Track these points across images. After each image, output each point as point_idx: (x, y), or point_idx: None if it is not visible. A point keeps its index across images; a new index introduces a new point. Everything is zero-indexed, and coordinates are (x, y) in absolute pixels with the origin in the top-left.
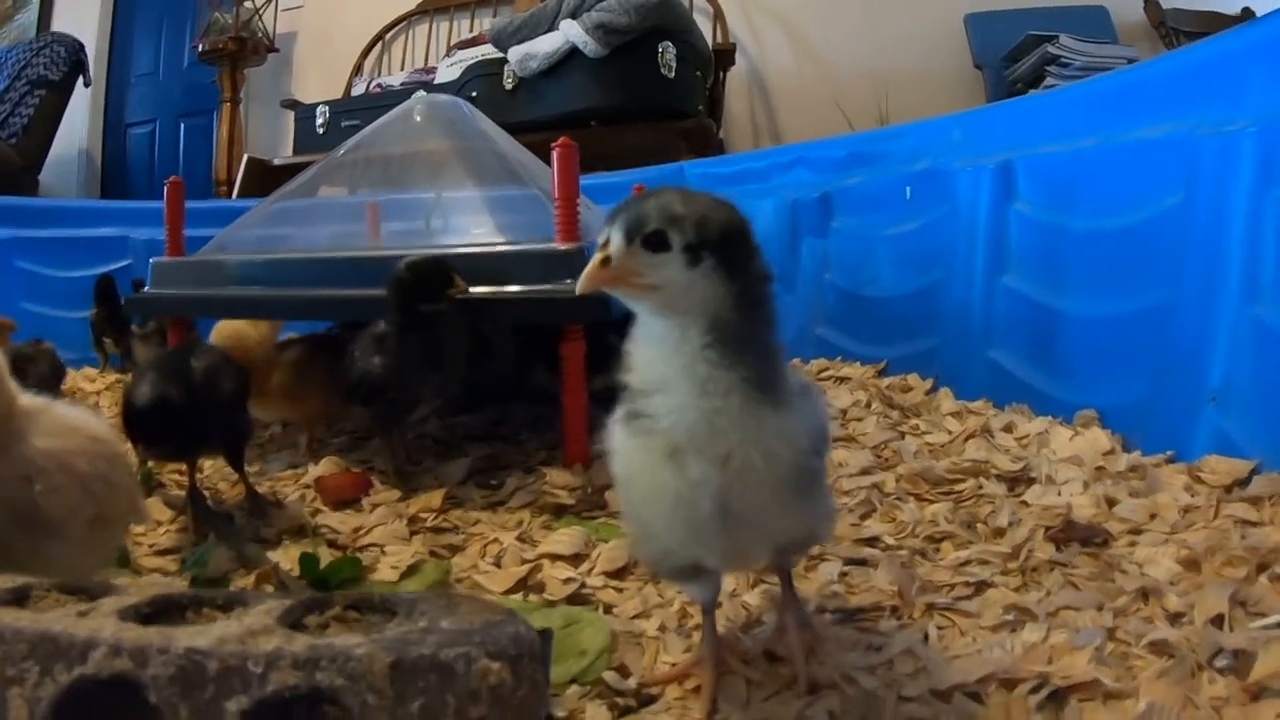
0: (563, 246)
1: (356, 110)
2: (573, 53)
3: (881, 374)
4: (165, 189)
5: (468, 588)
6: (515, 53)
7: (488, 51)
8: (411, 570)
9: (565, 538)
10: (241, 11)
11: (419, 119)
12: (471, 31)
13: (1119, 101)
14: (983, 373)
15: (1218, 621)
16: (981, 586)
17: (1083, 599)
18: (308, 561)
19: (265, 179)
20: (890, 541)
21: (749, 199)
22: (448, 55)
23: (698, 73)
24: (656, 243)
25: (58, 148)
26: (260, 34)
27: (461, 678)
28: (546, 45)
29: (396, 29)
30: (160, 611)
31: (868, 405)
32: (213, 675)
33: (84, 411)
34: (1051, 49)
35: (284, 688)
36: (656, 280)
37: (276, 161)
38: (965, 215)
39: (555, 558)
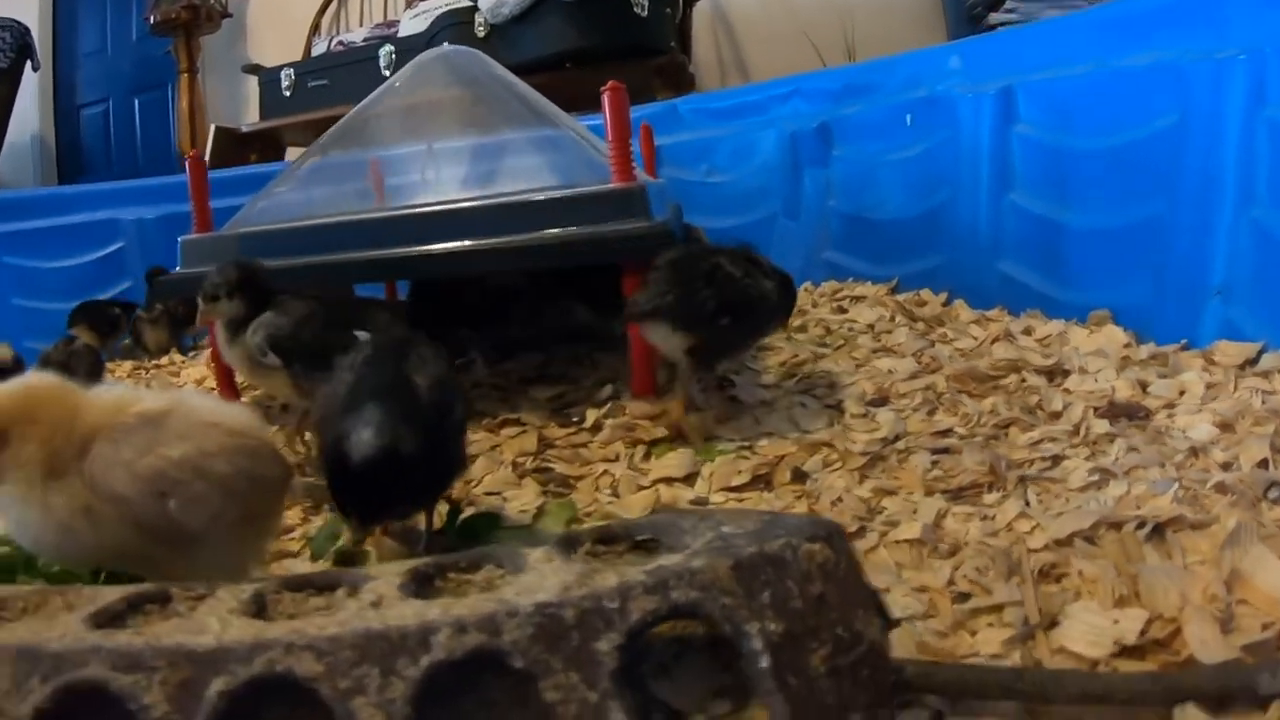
0: (620, 186)
1: (322, 70)
2: None
3: (893, 291)
4: (186, 164)
5: (599, 519)
6: (486, 0)
7: (452, 1)
8: (540, 513)
9: (673, 461)
10: None
11: (441, 69)
12: None
13: (1112, 31)
14: (994, 283)
15: (1263, 465)
16: (1056, 459)
17: (1146, 459)
18: (453, 515)
19: (234, 147)
20: (962, 431)
21: (750, 131)
22: (409, 7)
23: (668, 9)
24: None
25: (9, 136)
26: (212, 0)
27: (792, 564)
28: None
29: None
30: (421, 585)
31: (892, 319)
32: (572, 623)
33: (216, 401)
34: None
35: (646, 614)
36: None
37: (244, 128)
38: (968, 139)
39: (670, 481)
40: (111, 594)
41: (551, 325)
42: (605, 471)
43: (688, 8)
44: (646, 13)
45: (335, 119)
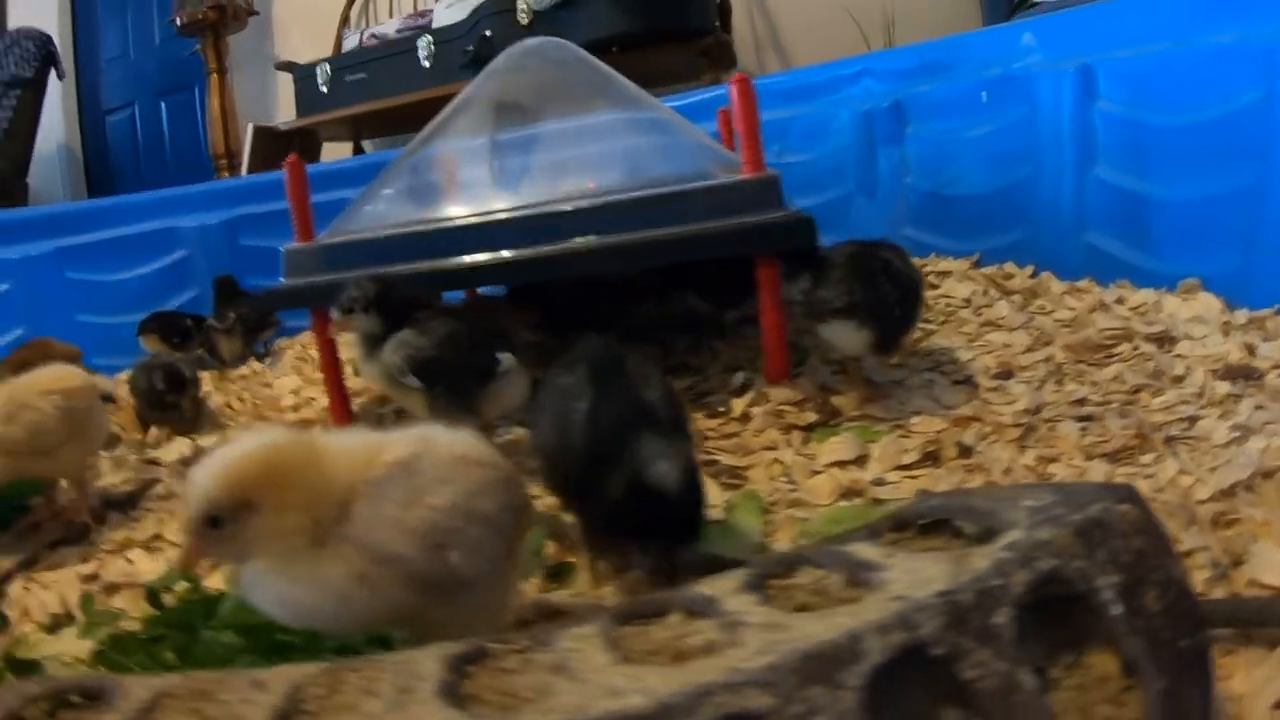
0: (756, 176)
1: (359, 64)
2: None
3: (977, 265)
4: (285, 168)
5: (785, 507)
6: None
7: None
8: (728, 506)
9: (838, 445)
10: None
11: (536, 59)
12: None
13: (1194, 9)
14: (1080, 255)
15: None
16: (1193, 420)
17: (1275, 415)
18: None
19: (273, 146)
20: (1097, 399)
21: (822, 111)
22: None
23: None
24: None
25: (36, 146)
26: None
27: (1112, 524)
28: None
29: None
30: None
31: (985, 293)
32: (972, 605)
33: (447, 431)
34: None
35: (1024, 586)
36: None
37: (282, 126)
38: (1048, 115)
39: (843, 464)
40: (428, 662)
41: (665, 317)
42: (775, 460)
43: None
44: None
45: (374, 113)
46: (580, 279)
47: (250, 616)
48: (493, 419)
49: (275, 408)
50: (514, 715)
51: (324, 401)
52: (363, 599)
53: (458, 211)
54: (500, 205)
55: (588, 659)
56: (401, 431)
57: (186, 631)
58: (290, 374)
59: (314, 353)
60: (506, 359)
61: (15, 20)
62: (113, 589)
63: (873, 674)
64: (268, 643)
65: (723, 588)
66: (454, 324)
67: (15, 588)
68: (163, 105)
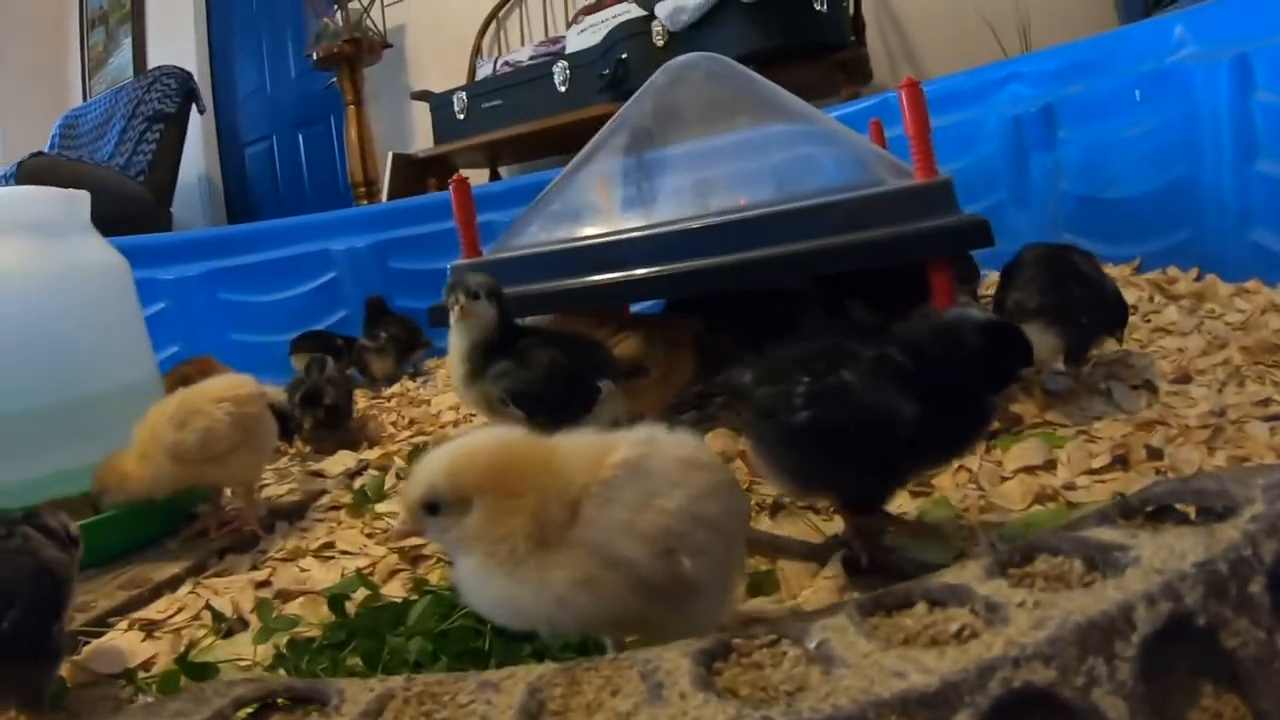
0: (930, 181)
1: (495, 91)
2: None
3: (1138, 271)
4: (451, 187)
5: (978, 513)
6: (664, 8)
7: (619, 13)
8: (920, 514)
9: (1025, 451)
10: (350, 13)
11: (694, 75)
12: None
13: None
14: (1245, 254)
15: None
16: None
17: None
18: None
19: (411, 173)
20: None
21: (969, 119)
22: (574, 23)
23: (844, 3)
24: None
25: (179, 178)
26: (372, 32)
27: None
28: None
29: (509, 4)
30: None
31: (1151, 299)
32: (1228, 575)
33: (667, 432)
34: None
35: (1273, 555)
36: None
37: (420, 154)
38: (1205, 110)
39: (1032, 469)
40: (676, 659)
41: (828, 327)
42: (961, 467)
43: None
44: (826, 8)
45: (511, 139)
46: (743, 291)
47: (440, 624)
48: None
49: (436, 423)
50: (797, 701)
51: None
52: (585, 603)
53: (627, 225)
54: (673, 217)
55: (851, 647)
56: (625, 432)
57: (373, 637)
58: (446, 392)
59: None
60: (607, 386)
61: (155, 59)
62: (286, 596)
63: (1144, 644)
64: (460, 649)
65: (966, 576)
66: (555, 353)
67: (185, 592)
68: (300, 137)
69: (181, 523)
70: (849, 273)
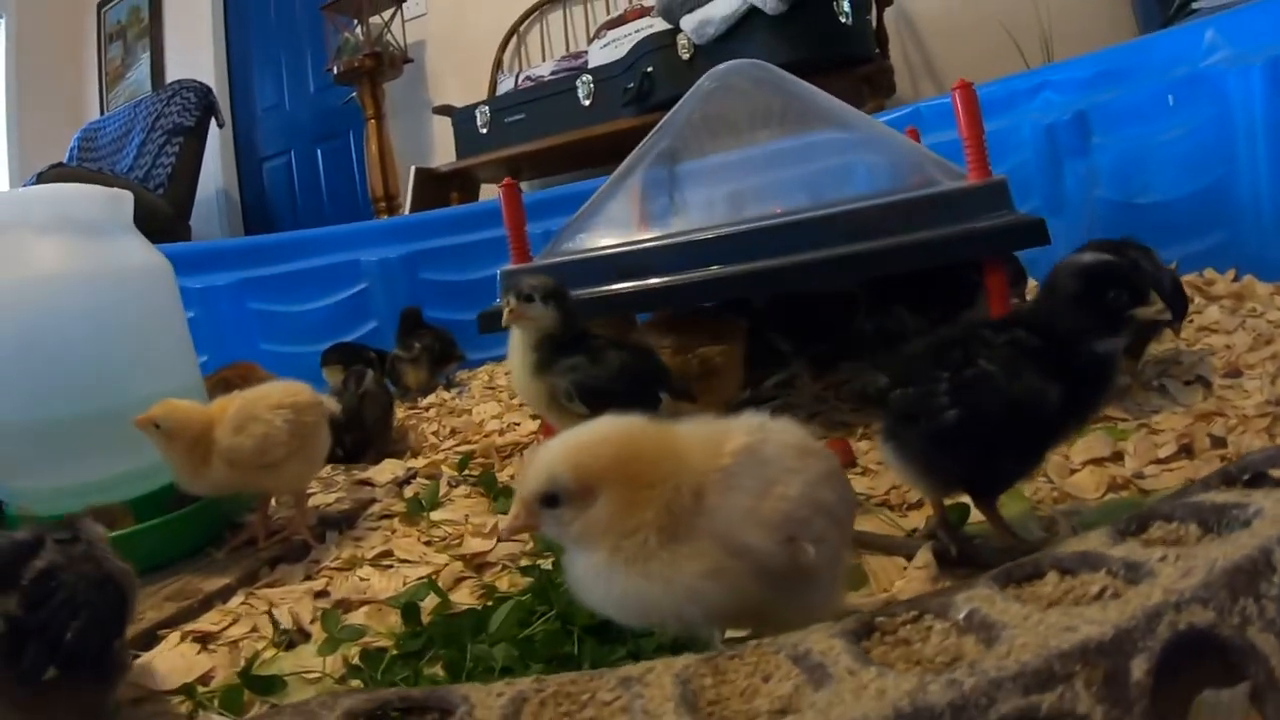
0: (985, 181)
1: (517, 105)
2: (750, 13)
3: (1176, 273)
4: (500, 192)
5: (1051, 503)
6: (689, 21)
7: (643, 27)
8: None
9: (1091, 443)
10: (371, 28)
11: (739, 81)
12: (609, 13)
13: None
14: None
15: None
16: None
17: None
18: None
19: (434, 187)
20: None
21: (1001, 128)
22: (597, 37)
23: (868, 16)
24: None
25: (198, 191)
26: (393, 47)
27: None
28: (723, 9)
29: (530, 19)
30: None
31: (1192, 300)
32: None
33: (774, 421)
34: None
35: None
36: None
37: (442, 168)
38: (1240, 113)
39: (1099, 461)
40: (823, 640)
41: (875, 331)
42: None
43: (880, 12)
44: (850, 21)
45: (533, 153)
46: (792, 293)
47: (521, 630)
48: None
49: (480, 432)
50: (980, 661)
51: (528, 426)
52: (714, 595)
53: (684, 228)
54: (725, 220)
55: (1005, 611)
56: (736, 420)
57: (453, 646)
58: (486, 401)
59: (501, 382)
60: (665, 397)
61: (173, 73)
62: (347, 606)
63: None
64: (549, 654)
65: (1092, 544)
66: (625, 357)
67: (237, 603)
68: (318, 151)
69: (226, 532)
70: (896, 277)
